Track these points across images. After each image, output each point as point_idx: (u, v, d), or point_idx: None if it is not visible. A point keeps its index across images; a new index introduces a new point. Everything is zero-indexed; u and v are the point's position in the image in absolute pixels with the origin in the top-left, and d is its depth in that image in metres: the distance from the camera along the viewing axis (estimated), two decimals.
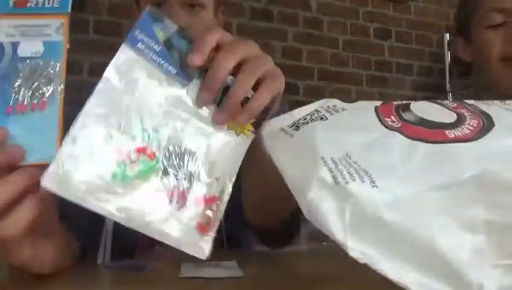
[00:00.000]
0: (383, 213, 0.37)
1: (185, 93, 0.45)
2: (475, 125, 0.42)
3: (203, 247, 0.43)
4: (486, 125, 0.42)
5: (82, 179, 0.39)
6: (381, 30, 2.97)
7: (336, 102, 0.48)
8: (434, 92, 3.02)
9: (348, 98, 2.72)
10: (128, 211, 0.40)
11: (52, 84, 0.45)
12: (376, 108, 0.45)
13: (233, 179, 0.46)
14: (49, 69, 0.45)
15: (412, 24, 3.06)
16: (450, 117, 0.43)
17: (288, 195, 0.40)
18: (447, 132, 0.41)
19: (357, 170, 0.39)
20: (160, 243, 0.43)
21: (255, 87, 0.46)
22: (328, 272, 0.58)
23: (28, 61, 0.44)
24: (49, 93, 0.44)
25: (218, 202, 0.45)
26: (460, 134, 0.41)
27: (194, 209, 0.43)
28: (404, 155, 0.39)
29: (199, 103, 0.45)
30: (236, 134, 0.46)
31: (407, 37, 3.04)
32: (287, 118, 0.47)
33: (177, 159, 0.43)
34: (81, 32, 2.19)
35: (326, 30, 2.82)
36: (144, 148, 0.42)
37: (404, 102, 0.46)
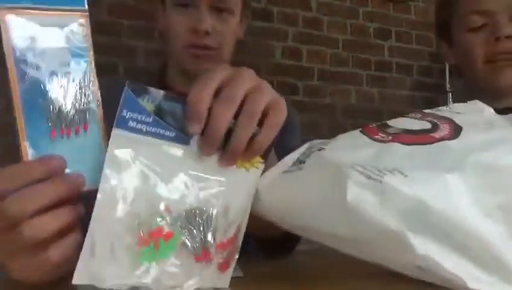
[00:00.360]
0: (427, 200, 0.38)
1: (188, 152, 0.43)
2: (448, 127, 0.45)
3: (225, 281, 0.45)
4: (456, 127, 0.45)
5: (111, 275, 0.40)
6: (381, 30, 2.97)
7: (319, 140, 0.50)
8: (434, 92, 3.02)
9: (348, 98, 2.70)
10: (159, 282, 0.41)
11: (89, 100, 0.43)
12: (362, 131, 0.48)
13: (248, 211, 0.46)
14: (82, 81, 0.43)
15: (412, 24, 3.06)
16: (425, 125, 0.47)
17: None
18: (431, 134, 0.44)
19: (384, 168, 0.40)
20: None
21: (259, 122, 0.44)
22: (328, 272, 0.58)
23: (56, 76, 0.42)
24: (89, 112, 0.43)
25: (236, 239, 0.46)
26: (443, 134, 0.44)
27: (216, 256, 0.44)
28: (409, 157, 0.42)
29: (204, 156, 0.44)
30: (247, 170, 0.46)
31: (407, 37, 3.04)
32: (283, 163, 0.48)
33: (196, 223, 0.43)
34: None
35: (326, 30, 2.82)
36: (158, 231, 0.41)
37: (380, 122, 0.49)
